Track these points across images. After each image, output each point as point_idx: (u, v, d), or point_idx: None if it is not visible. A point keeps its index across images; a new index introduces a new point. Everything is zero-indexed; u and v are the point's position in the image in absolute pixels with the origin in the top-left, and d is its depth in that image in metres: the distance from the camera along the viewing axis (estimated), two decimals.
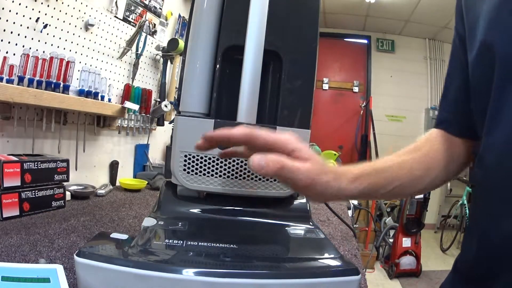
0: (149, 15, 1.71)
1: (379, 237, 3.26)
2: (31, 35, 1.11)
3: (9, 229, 0.82)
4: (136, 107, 1.55)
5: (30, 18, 1.10)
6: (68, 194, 1.13)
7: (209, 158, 0.58)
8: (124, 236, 0.50)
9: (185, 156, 0.58)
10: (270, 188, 0.60)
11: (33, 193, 0.96)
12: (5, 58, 1.02)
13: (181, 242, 0.48)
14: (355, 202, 2.25)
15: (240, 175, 0.59)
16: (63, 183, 1.06)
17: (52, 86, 1.14)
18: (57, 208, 1.04)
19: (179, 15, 2.00)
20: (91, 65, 1.37)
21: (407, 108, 4.65)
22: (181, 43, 1.69)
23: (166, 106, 1.65)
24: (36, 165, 0.96)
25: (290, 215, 0.63)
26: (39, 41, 1.14)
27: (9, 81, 1.02)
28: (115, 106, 1.43)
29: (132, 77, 1.63)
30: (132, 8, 1.59)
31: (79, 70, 1.30)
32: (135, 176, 1.69)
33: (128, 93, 1.57)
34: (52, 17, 1.18)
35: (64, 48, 1.25)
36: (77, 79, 1.28)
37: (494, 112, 0.41)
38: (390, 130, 4.47)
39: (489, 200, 0.44)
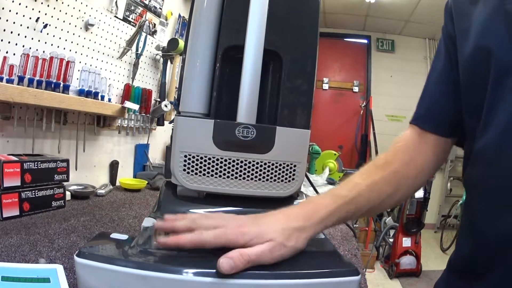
0: (149, 15, 1.71)
1: (379, 237, 3.26)
2: (31, 35, 1.11)
3: (9, 229, 0.82)
4: (136, 107, 1.55)
5: (30, 18, 1.10)
6: (68, 194, 1.13)
7: (209, 158, 0.58)
8: (124, 236, 0.50)
9: (185, 156, 0.58)
10: (270, 188, 0.60)
11: (33, 193, 0.96)
12: (5, 58, 1.02)
13: None
14: None
15: (240, 175, 0.59)
16: (63, 183, 1.06)
17: (52, 86, 1.14)
18: (57, 208, 1.04)
19: (179, 15, 2.00)
20: (91, 65, 1.37)
21: (407, 108, 4.62)
22: (181, 43, 1.69)
23: (166, 106, 1.65)
24: (36, 165, 0.96)
25: None
26: (39, 41, 1.14)
27: (9, 81, 1.02)
28: (115, 106, 1.43)
29: (132, 77, 1.63)
30: (132, 8, 1.59)
31: (79, 70, 1.30)
32: (135, 176, 1.69)
33: (128, 93, 1.57)
34: (52, 17, 1.18)
35: (64, 48, 1.25)
36: (77, 79, 1.28)
37: (490, 108, 0.42)
38: (390, 130, 4.47)
39: (484, 198, 0.44)
